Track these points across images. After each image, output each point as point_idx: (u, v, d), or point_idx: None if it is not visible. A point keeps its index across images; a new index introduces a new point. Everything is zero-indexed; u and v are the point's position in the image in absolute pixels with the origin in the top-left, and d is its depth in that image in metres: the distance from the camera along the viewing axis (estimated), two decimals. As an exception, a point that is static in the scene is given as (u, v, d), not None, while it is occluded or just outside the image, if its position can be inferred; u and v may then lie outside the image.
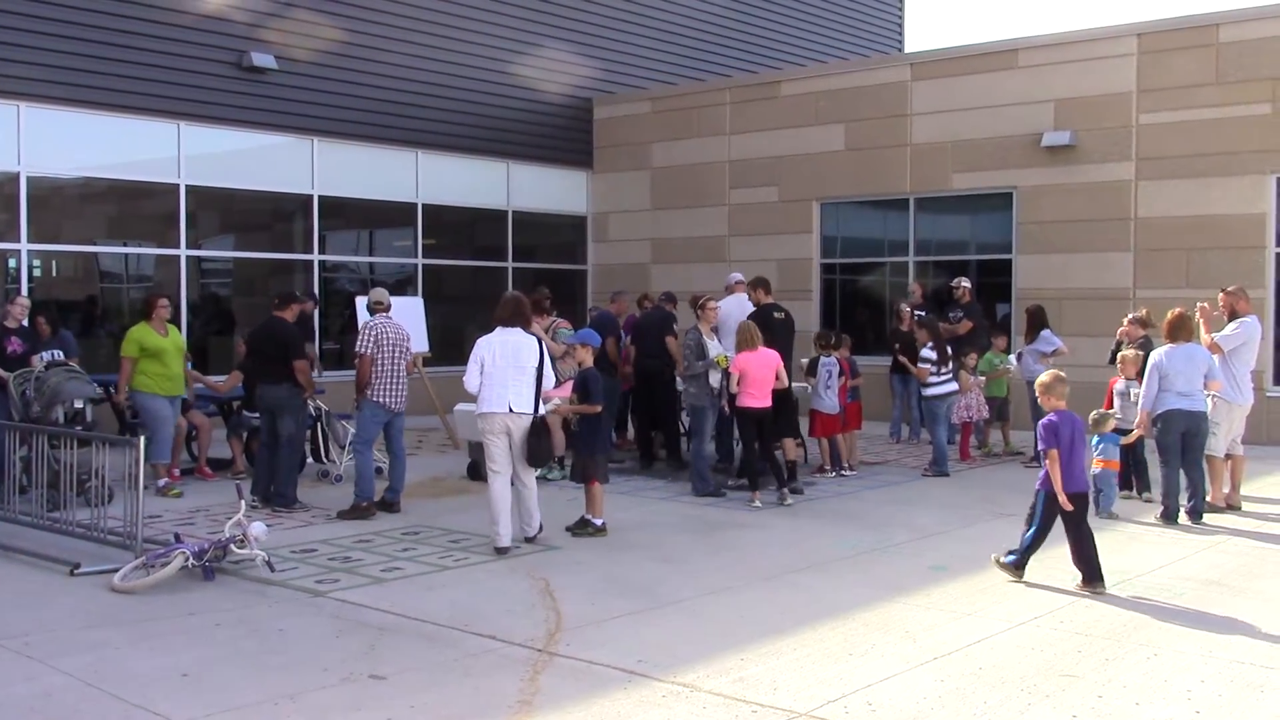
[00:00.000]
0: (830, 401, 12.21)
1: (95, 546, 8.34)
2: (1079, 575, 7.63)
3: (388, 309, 10.62)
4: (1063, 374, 8.06)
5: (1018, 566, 7.81)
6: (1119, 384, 10.82)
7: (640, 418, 13.04)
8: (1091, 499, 10.02)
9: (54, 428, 9.70)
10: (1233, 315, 10.47)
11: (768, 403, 10.77)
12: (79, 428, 10.03)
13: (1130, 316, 11.93)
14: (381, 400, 10.22)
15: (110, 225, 16.10)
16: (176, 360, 11.32)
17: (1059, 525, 7.66)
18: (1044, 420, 7.71)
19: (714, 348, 11.26)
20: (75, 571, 7.89)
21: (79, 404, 10.31)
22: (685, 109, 19.89)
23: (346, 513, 10.08)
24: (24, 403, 10.27)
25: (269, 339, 10.55)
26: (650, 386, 12.60)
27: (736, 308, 12.45)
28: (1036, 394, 8.13)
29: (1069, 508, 7.55)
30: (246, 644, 6.40)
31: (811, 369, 12.36)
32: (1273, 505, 10.63)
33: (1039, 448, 7.76)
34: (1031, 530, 7.73)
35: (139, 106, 15.20)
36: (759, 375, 10.69)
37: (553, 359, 9.40)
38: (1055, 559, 8.41)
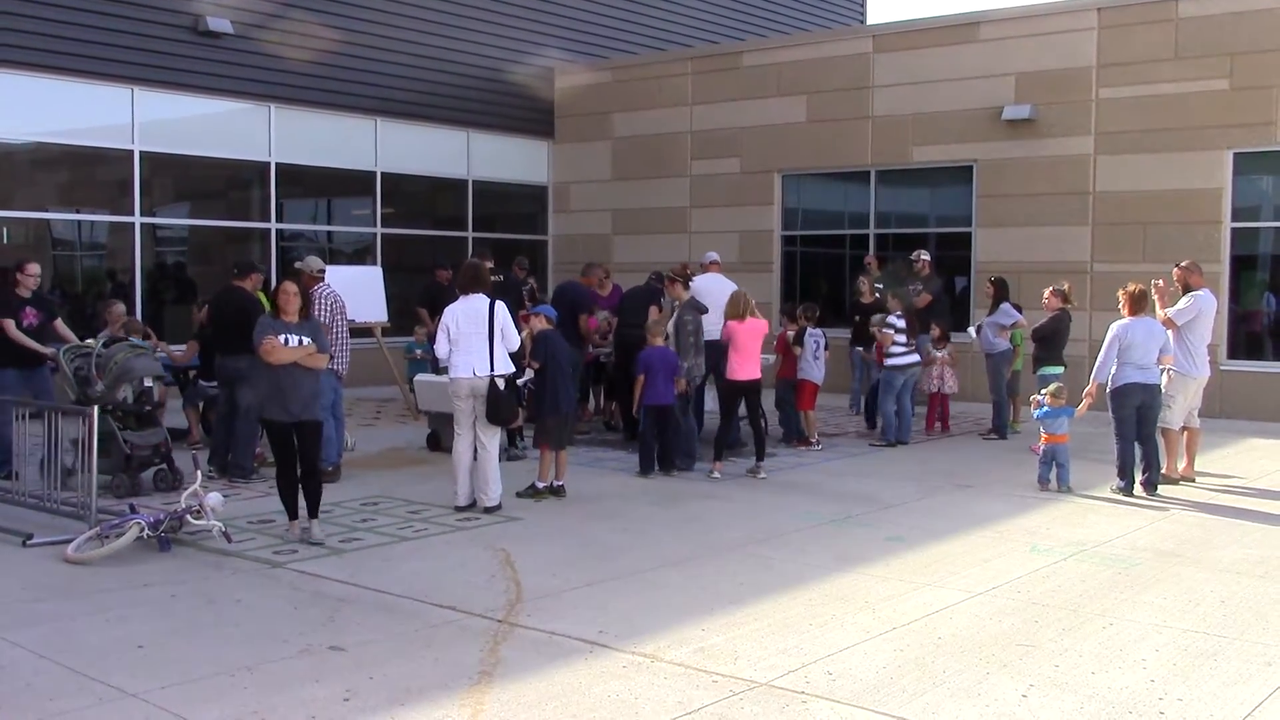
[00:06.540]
0: (820, 372, 12.27)
1: (48, 517, 8.24)
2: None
3: (324, 277, 10.67)
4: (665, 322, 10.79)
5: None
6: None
7: (624, 389, 12.88)
8: (1040, 477, 10.06)
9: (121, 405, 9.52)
10: (1186, 290, 10.58)
11: (755, 375, 10.70)
12: (146, 407, 9.83)
13: (1052, 289, 12.02)
14: (334, 368, 10.23)
15: (63, 192, 15.80)
16: None
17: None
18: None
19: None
20: (28, 543, 7.78)
21: (148, 382, 9.91)
22: (647, 79, 19.77)
23: None
24: (78, 380, 9.73)
25: (232, 308, 10.36)
26: (629, 356, 12.42)
27: (716, 284, 12.45)
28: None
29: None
30: (203, 615, 6.34)
31: (798, 340, 12.31)
32: (1226, 478, 10.77)
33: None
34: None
35: (92, 71, 14.89)
36: (747, 345, 10.61)
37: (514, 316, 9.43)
38: (1012, 529, 8.50)
